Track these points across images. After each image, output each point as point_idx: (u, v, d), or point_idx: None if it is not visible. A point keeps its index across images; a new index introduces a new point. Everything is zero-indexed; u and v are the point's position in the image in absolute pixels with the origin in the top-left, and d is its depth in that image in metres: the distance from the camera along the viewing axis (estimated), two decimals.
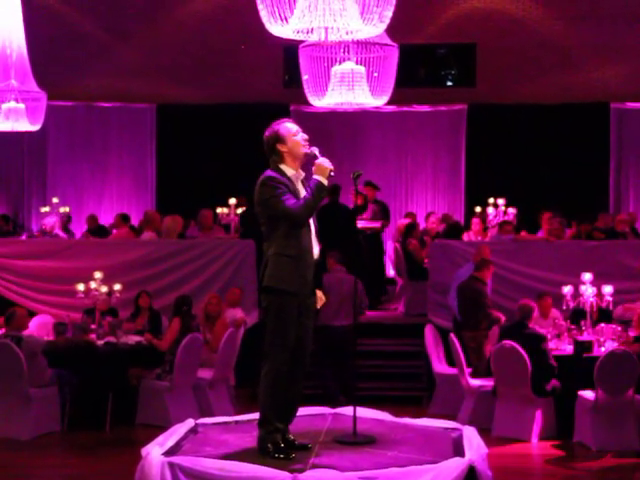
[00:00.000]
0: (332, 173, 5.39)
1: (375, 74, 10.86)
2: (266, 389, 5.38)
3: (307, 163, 5.53)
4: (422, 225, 14.63)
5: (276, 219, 5.32)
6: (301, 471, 4.93)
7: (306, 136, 5.50)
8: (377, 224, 13.62)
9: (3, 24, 12.13)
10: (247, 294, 10.95)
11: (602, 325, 9.36)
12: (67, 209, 16.21)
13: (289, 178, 5.40)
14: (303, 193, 5.41)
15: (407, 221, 14.15)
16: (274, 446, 5.32)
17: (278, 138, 5.43)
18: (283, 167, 5.43)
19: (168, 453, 5.29)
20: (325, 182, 5.37)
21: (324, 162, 5.40)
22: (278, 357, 5.33)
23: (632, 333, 9.33)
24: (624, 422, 8.46)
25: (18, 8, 12.15)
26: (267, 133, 5.48)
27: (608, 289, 9.66)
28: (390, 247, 14.64)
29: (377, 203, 14.26)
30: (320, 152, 5.49)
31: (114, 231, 13.72)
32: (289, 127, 5.47)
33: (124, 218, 13.97)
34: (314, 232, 5.48)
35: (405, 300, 12.67)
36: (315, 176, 5.38)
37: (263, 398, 5.41)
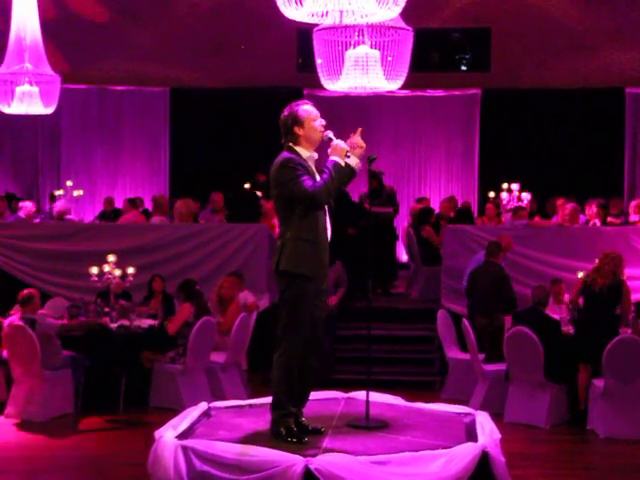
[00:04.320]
0: (348, 154, 5.37)
1: (389, 58, 10.80)
2: (280, 372, 5.38)
3: (320, 146, 5.52)
4: (436, 209, 14.59)
5: (293, 201, 5.30)
6: (314, 455, 4.95)
7: (324, 122, 5.48)
8: (390, 209, 13.59)
9: (17, 8, 12.14)
10: (259, 278, 10.96)
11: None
12: (81, 192, 16.25)
13: (305, 160, 5.39)
14: (317, 175, 5.40)
15: (421, 206, 14.12)
16: (287, 430, 5.33)
17: (296, 120, 5.39)
18: (299, 149, 5.41)
19: (181, 436, 5.32)
20: (342, 163, 5.34)
21: (340, 143, 5.38)
22: (293, 340, 5.33)
23: None
24: (634, 410, 8.41)
25: None
26: (285, 113, 5.43)
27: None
28: (403, 232, 14.61)
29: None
30: (334, 135, 5.48)
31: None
32: (309, 110, 5.43)
33: (133, 202, 13.99)
34: (328, 214, 5.48)
35: (419, 285, 12.65)
36: (332, 157, 5.35)
37: (277, 381, 5.41)
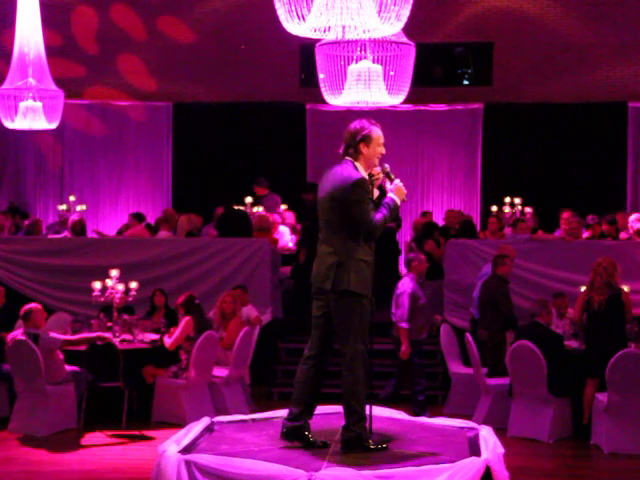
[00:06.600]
0: (405, 199, 5.52)
1: (392, 73, 10.83)
2: (362, 387, 5.42)
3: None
4: (438, 223, 14.56)
5: (350, 221, 5.31)
6: (317, 469, 4.94)
7: (384, 151, 5.51)
8: (392, 223, 13.53)
9: (21, 23, 12.20)
10: (262, 292, 10.96)
11: None
12: (84, 207, 16.25)
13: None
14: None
15: (424, 220, 14.09)
16: (371, 441, 5.43)
17: (366, 137, 5.40)
18: (358, 166, 5.40)
19: (184, 451, 5.31)
20: (399, 204, 5.45)
21: (403, 187, 5.47)
22: (364, 356, 5.42)
23: None
24: (638, 425, 8.37)
25: (36, 7, 12.21)
26: (357, 125, 5.43)
27: (625, 289, 9.61)
28: (405, 246, 14.59)
29: None
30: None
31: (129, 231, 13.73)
32: (380, 135, 5.45)
33: (138, 217, 13.99)
34: None
35: None
36: (392, 195, 5.43)
37: (359, 397, 5.42)
